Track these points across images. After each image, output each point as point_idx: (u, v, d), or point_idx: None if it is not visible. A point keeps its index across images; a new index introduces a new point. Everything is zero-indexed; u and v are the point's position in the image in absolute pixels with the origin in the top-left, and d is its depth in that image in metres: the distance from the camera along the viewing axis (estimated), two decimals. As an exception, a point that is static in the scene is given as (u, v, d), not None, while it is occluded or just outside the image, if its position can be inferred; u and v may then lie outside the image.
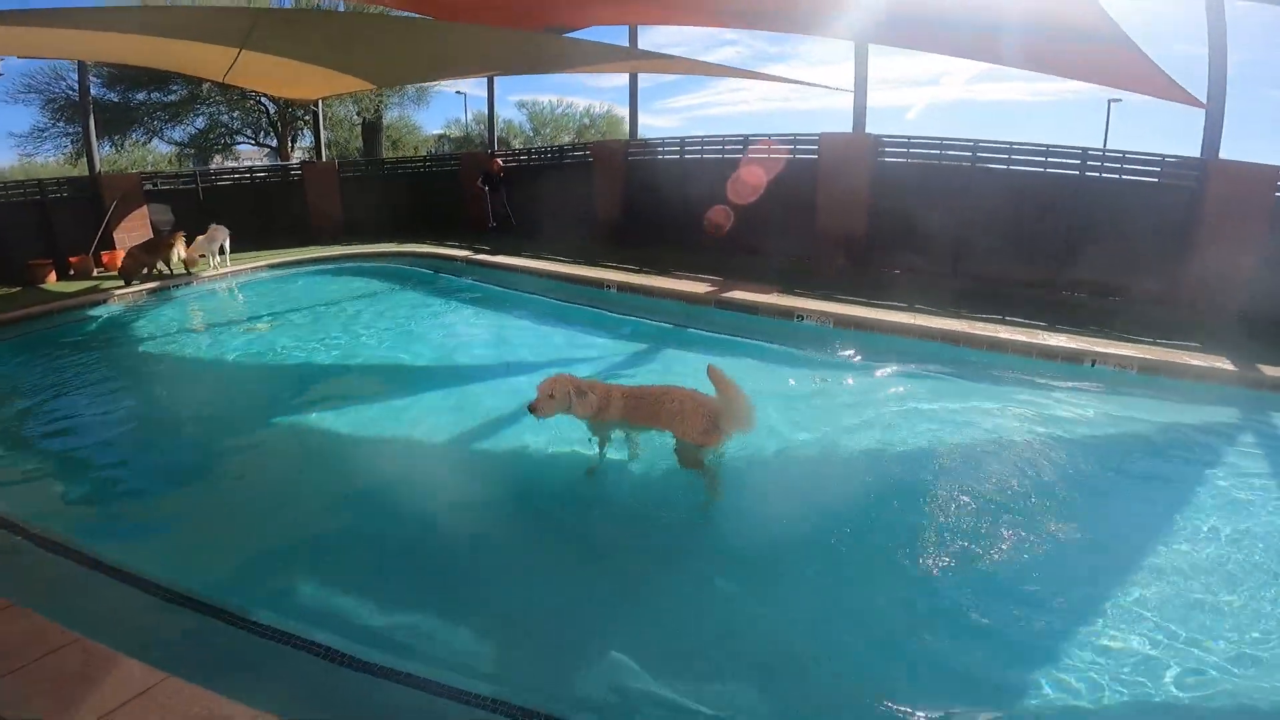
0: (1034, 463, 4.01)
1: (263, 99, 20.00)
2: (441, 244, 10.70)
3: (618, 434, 3.93)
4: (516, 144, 25.31)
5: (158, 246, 8.99)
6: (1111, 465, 4.06)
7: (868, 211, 8.45)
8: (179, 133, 20.47)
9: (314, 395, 5.60)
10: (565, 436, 4.19)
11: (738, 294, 6.69)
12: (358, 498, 3.90)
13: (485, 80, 12.46)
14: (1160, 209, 7.11)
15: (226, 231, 9.40)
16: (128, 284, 8.41)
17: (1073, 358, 5.33)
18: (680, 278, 7.64)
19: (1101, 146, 7.26)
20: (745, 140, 9.63)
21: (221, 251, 9.44)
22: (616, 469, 3.93)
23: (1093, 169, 7.33)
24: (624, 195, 11.06)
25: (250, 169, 13.59)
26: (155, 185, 11.36)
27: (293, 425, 4.99)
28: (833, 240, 8.72)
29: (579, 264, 8.73)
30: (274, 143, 21.31)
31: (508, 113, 28.71)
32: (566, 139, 26.42)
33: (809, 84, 9.32)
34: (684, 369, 5.46)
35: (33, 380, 6.02)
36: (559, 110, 28.48)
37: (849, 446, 4.22)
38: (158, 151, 22.88)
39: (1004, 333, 5.62)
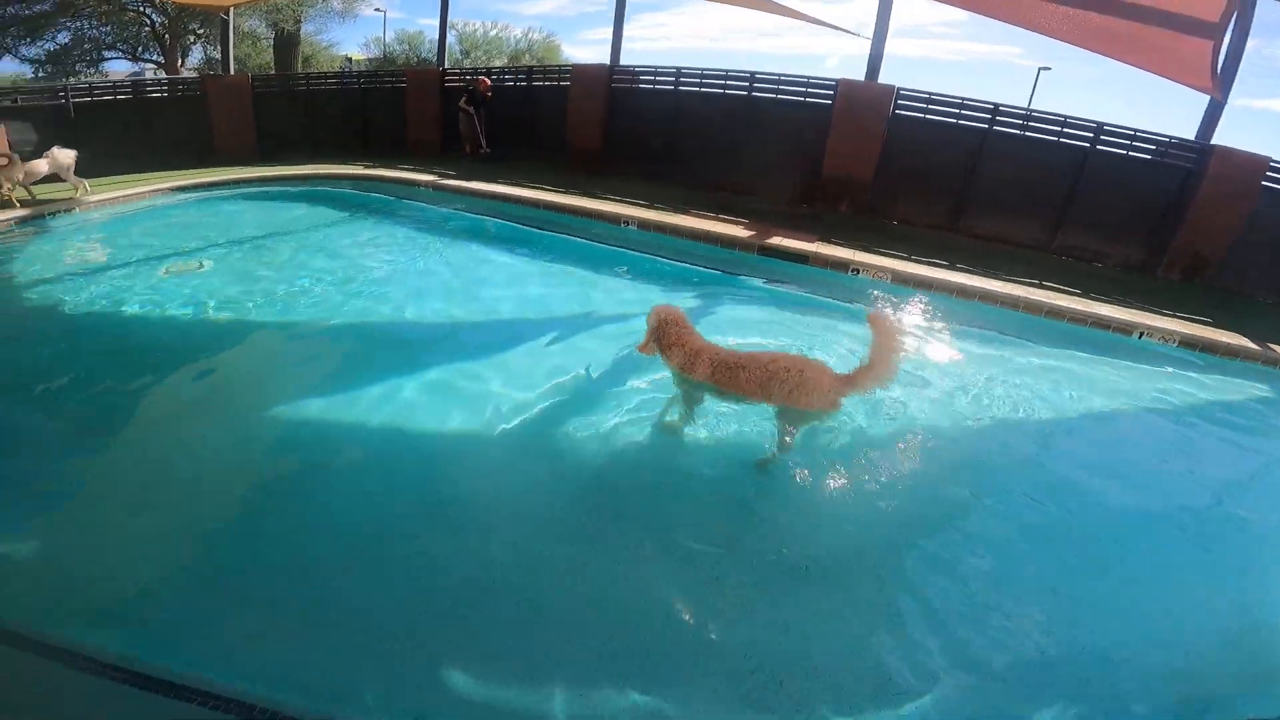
0: (1113, 438, 4.02)
1: (147, 9, 16.58)
2: (395, 167, 9.27)
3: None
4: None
5: None
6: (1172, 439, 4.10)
7: (877, 162, 8.21)
8: (35, 49, 16.56)
9: (277, 361, 4.41)
10: (628, 402, 3.58)
11: (783, 241, 6.17)
12: (340, 511, 2.94)
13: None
14: (1154, 185, 7.43)
15: (72, 156, 7.54)
16: None
17: (1123, 329, 5.37)
18: (702, 217, 6.97)
19: (1113, 123, 7.39)
20: (751, 78, 8.98)
21: (53, 179, 7.54)
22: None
23: (1104, 143, 7.48)
24: (605, 124, 10.11)
25: (134, 82, 11.25)
26: (15, 102, 9.42)
27: (249, 407, 3.75)
28: (837, 187, 8.45)
29: (572, 194, 7.82)
30: (158, 58, 17.84)
31: (434, 34, 25.71)
32: (499, 63, 24.16)
33: (825, 24, 8.81)
34: (741, 322, 4.95)
35: None
36: (492, 34, 25.92)
37: (935, 415, 3.86)
38: (2, 72, 18.68)
39: (1061, 300, 5.56)
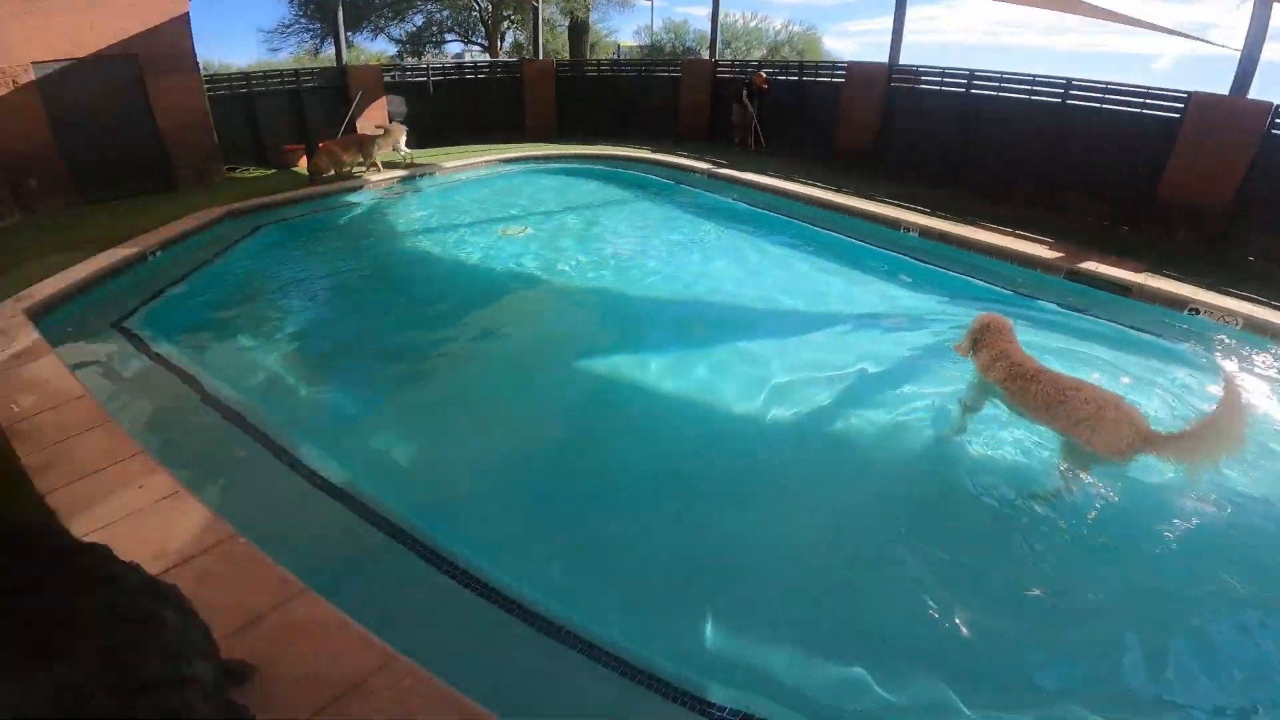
0: None
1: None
2: (672, 152, 10.00)
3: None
4: (704, 55, 23.71)
5: (357, 142, 8.91)
6: None
7: (1237, 187, 6.86)
8: (398, 30, 20.66)
9: (583, 319, 5.17)
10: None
11: (1100, 266, 5.52)
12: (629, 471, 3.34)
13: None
14: None
15: (405, 131, 9.42)
16: (314, 180, 8.30)
17: None
18: (997, 231, 6.47)
19: None
20: (1067, 84, 8.05)
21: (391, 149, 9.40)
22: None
23: None
24: (880, 124, 9.81)
25: (475, 64, 13.51)
26: (394, 78, 11.55)
27: (561, 356, 4.52)
28: (1176, 211, 7.21)
29: (846, 194, 7.75)
30: (483, 41, 21.06)
31: (697, 24, 26.87)
32: (758, 55, 24.44)
33: (1161, 29, 7.59)
34: (1034, 351, 4.53)
35: (288, 264, 6.08)
36: (752, 25, 26.30)
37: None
38: (368, 50, 23.26)
39: None
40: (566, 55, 20.57)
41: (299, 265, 6.10)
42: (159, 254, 5.69)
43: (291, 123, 10.44)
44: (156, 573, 2.07)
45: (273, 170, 9.50)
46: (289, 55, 19.82)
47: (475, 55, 21.82)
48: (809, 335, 4.83)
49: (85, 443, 2.95)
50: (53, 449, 2.91)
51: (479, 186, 8.81)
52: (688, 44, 24.99)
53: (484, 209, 7.91)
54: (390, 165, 9.02)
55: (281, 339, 4.75)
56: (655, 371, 4.21)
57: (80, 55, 7.70)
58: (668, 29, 26.25)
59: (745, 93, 10.58)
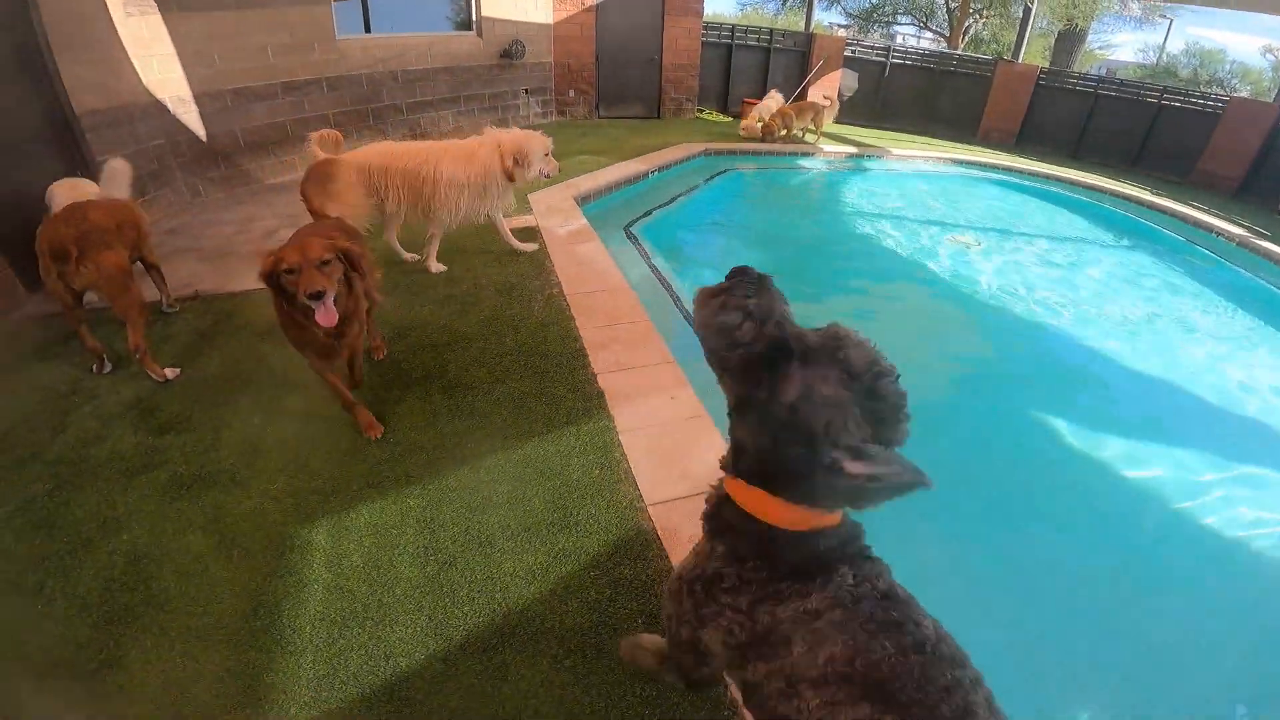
0: None
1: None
2: (1184, 201, 7.87)
3: None
4: (1242, 91, 18.26)
5: (811, 109, 8.90)
6: None
7: None
8: (853, 4, 20.21)
9: (1014, 356, 4.38)
10: None
11: None
12: None
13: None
14: None
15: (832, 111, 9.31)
16: (762, 139, 8.47)
17: None
18: None
19: None
20: None
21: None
22: None
23: None
24: None
25: (940, 55, 12.41)
26: (854, 52, 11.20)
27: (992, 385, 3.94)
28: None
29: None
30: (941, 30, 19.48)
31: (1238, 56, 20.90)
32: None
33: None
34: None
35: (747, 210, 6.17)
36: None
37: None
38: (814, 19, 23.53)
39: None
40: (1032, 58, 17.75)
41: (755, 213, 6.39)
42: (656, 174, 6.47)
43: (755, 78, 11.01)
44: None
45: (730, 118, 10.17)
46: (737, 12, 20.96)
47: (917, 42, 20.29)
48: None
49: (629, 335, 3.30)
50: (607, 331, 3.35)
51: (925, 182, 8.13)
52: (1218, 74, 19.50)
53: (928, 208, 7.25)
54: (831, 137, 8.92)
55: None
56: (1109, 446, 3.46)
57: (629, -14, 9.01)
58: (1190, 53, 20.78)
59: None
